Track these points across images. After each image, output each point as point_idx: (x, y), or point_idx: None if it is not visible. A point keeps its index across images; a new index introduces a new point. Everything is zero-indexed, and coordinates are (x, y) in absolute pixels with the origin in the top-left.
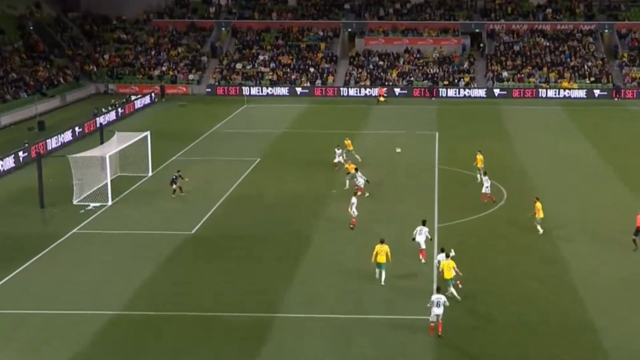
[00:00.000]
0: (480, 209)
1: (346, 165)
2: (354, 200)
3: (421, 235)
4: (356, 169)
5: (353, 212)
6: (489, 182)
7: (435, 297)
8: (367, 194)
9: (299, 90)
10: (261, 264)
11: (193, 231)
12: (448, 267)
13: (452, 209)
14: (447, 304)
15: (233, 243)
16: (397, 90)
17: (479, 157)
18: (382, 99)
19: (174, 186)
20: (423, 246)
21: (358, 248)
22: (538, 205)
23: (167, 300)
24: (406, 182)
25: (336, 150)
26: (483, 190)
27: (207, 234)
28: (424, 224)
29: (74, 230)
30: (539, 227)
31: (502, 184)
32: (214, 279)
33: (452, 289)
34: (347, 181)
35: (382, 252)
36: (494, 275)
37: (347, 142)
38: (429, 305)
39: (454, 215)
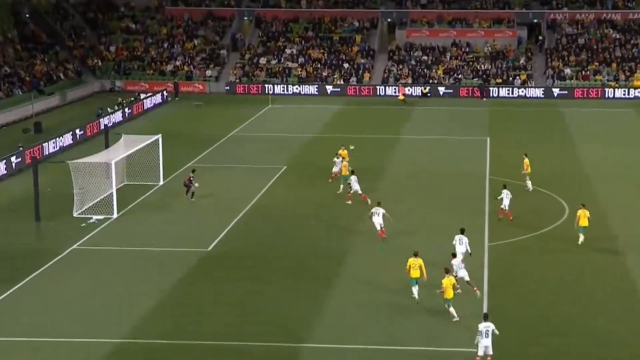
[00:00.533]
0: (537, 225)
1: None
2: (377, 210)
3: (461, 245)
4: (352, 172)
5: (379, 223)
6: (510, 196)
7: (484, 325)
8: (349, 202)
9: (329, 88)
10: (286, 286)
11: (209, 248)
12: (449, 284)
13: (505, 226)
14: (497, 332)
15: (255, 262)
16: (441, 89)
17: (526, 161)
18: (401, 97)
19: (192, 188)
20: (461, 257)
21: (395, 267)
22: (581, 212)
23: (178, 328)
24: (452, 194)
25: (335, 159)
26: (501, 206)
27: (226, 252)
28: (462, 232)
29: (74, 247)
30: (580, 236)
31: (564, 197)
32: (233, 303)
33: (451, 308)
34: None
35: (415, 266)
36: (555, 314)
37: (343, 151)
38: (476, 339)
39: (507, 233)
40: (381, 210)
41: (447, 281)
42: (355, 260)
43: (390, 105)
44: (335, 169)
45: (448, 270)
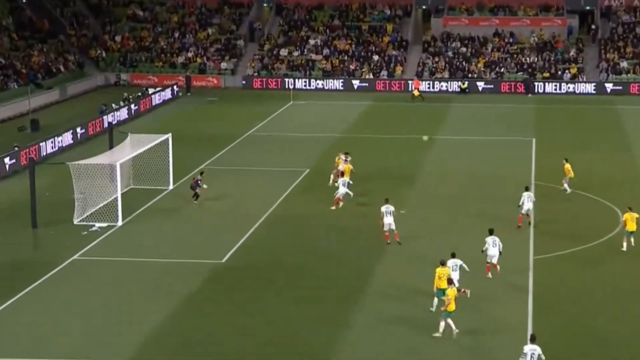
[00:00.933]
0: (588, 236)
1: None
2: (388, 208)
3: (495, 247)
4: (342, 174)
5: (389, 223)
6: (532, 199)
7: (530, 348)
8: (334, 208)
9: (355, 83)
10: (308, 305)
11: (224, 260)
12: (453, 296)
13: (553, 237)
14: (543, 357)
15: (274, 276)
16: (481, 85)
17: (567, 166)
18: (416, 92)
19: (197, 190)
20: (495, 260)
21: (428, 280)
22: (627, 216)
23: (187, 349)
24: (493, 201)
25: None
26: (522, 211)
27: (242, 264)
28: (491, 232)
29: (74, 257)
30: (625, 242)
31: (619, 205)
32: (248, 324)
33: (449, 320)
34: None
35: (443, 276)
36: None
37: (338, 160)
38: None
39: (554, 245)
40: (391, 208)
41: (452, 292)
42: (383, 275)
43: (425, 102)
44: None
45: (451, 281)
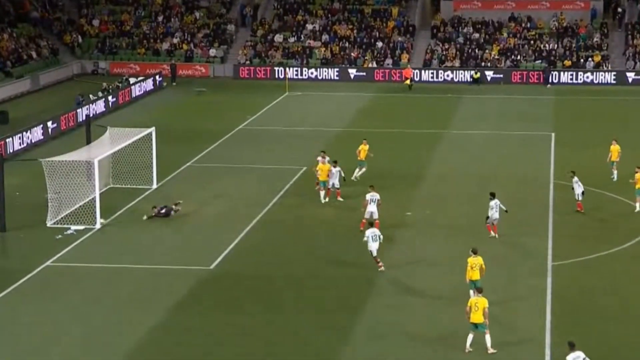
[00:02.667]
0: (615, 240)
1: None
2: (373, 196)
3: (497, 211)
4: (335, 162)
5: (372, 211)
6: (581, 186)
7: (573, 356)
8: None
9: (352, 73)
10: (304, 316)
11: (212, 266)
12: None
13: (573, 241)
14: None
15: (267, 284)
16: (495, 74)
17: (614, 147)
18: (407, 82)
19: (173, 211)
20: (496, 222)
21: (444, 295)
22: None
23: None
24: (508, 203)
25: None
26: (579, 198)
27: (232, 271)
28: (493, 196)
29: (47, 263)
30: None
31: None
32: (239, 337)
33: (487, 335)
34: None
35: (475, 265)
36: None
37: (324, 166)
38: None
39: (575, 249)
40: (377, 196)
41: (482, 302)
42: (386, 283)
43: (434, 94)
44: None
45: (481, 290)
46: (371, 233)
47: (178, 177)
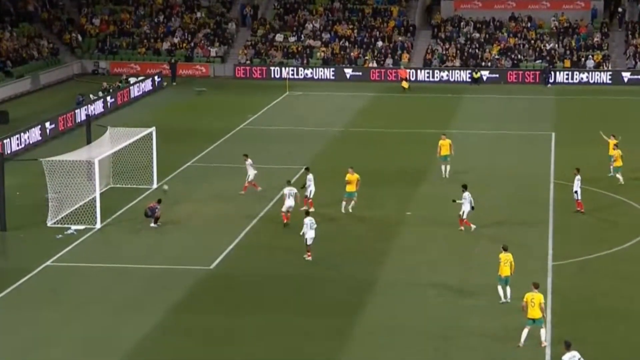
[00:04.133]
0: (616, 240)
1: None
2: (291, 190)
3: (468, 203)
4: (245, 155)
5: (290, 206)
6: (579, 184)
7: (569, 356)
8: (242, 193)
9: (348, 73)
10: (304, 316)
11: (212, 266)
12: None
13: (574, 241)
14: None
15: (269, 285)
16: (494, 74)
17: (612, 142)
18: (405, 84)
19: (157, 213)
20: (466, 216)
21: (445, 294)
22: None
23: None
24: (508, 202)
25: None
26: (578, 197)
27: (232, 271)
28: (465, 188)
29: (47, 263)
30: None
31: None
32: (239, 338)
33: (542, 330)
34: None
35: (506, 262)
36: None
37: (353, 175)
38: None
39: (577, 250)
40: (294, 191)
41: (538, 297)
42: (385, 287)
43: (435, 93)
44: (250, 176)
45: (537, 285)
46: (309, 221)
47: (178, 176)
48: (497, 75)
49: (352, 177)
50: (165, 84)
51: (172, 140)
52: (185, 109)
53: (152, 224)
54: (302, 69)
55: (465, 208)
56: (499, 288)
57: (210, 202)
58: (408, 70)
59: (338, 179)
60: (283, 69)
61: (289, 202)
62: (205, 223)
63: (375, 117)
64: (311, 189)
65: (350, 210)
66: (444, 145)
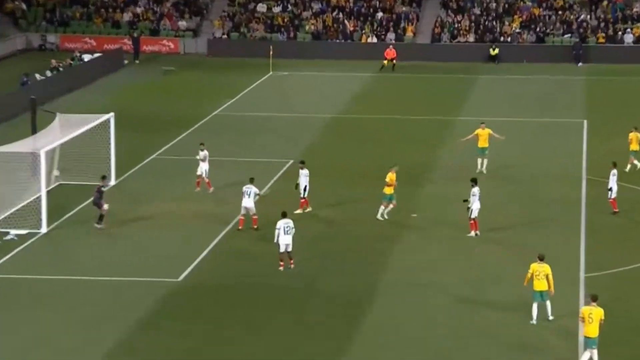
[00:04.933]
0: None
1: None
2: (249, 189)
3: (478, 200)
4: (202, 145)
5: (248, 207)
6: (615, 179)
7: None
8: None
9: (342, 49)
10: (292, 337)
11: (180, 278)
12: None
13: (611, 248)
14: None
15: (251, 298)
16: (515, 50)
17: (634, 135)
18: (386, 62)
19: (103, 208)
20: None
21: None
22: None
23: None
24: (532, 201)
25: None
26: (612, 195)
27: (203, 283)
28: (475, 182)
29: None
30: None
31: None
32: (211, 356)
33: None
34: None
35: (540, 274)
36: None
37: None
38: None
39: (614, 259)
40: (252, 189)
41: (597, 313)
42: (379, 306)
43: (442, 73)
44: (203, 171)
45: (596, 298)
46: (284, 224)
47: (141, 171)
48: (518, 53)
49: (394, 177)
50: (126, 62)
51: (134, 128)
52: (149, 92)
53: (97, 224)
54: (289, 45)
55: (475, 206)
56: (534, 306)
57: (178, 201)
58: (396, 52)
59: (332, 174)
60: (266, 44)
61: (245, 203)
62: (173, 227)
63: (375, 101)
64: (305, 185)
65: (387, 217)
66: (483, 136)
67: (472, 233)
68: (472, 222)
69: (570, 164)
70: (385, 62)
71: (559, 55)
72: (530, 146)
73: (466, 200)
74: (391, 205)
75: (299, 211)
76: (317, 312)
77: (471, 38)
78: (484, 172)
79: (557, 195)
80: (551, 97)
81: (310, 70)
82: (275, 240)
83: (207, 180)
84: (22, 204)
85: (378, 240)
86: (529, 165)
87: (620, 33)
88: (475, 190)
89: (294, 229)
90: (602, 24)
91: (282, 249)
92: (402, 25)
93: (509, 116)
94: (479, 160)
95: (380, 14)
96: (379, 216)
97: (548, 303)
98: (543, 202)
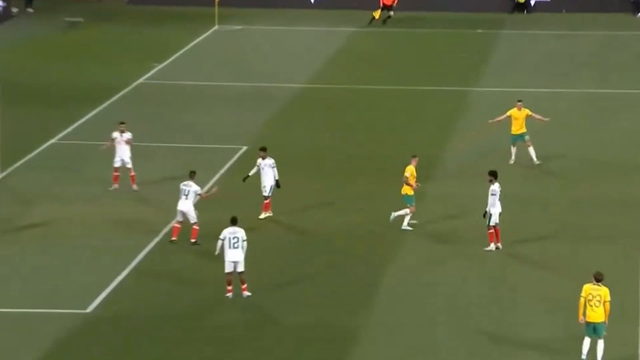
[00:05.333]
0: None
1: None
2: (187, 187)
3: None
4: (122, 124)
5: (185, 211)
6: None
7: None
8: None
9: None
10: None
11: (89, 309)
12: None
13: None
14: None
15: (183, 338)
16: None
17: None
18: (378, 14)
19: None
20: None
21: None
22: None
23: None
24: (582, 204)
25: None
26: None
27: (118, 315)
28: (494, 177)
29: None
30: None
31: None
32: None
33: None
34: None
35: (594, 298)
36: None
37: (411, 168)
38: None
39: None
40: (193, 188)
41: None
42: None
43: (453, 28)
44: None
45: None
46: (229, 234)
47: (36, 161)
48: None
49: (414, 170)
50: (15, 10)
51: (26, 102)
52: (47, 53)
53: None
54: None
55: (495, 210)
56: (585, 341)
57: (87, 203)
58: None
59: (302, 166)
60: None
61: (181, 207)
62: (80, 238)
63: (361, 67)
64: (275, 179)
65: (410, 228)
66: (519, 119)
67: (492, 246)
68: (491, 231)
69: (627, 149)
70: (378, 12)
71: (611, 3)
72: (570, 127)
73: (486, 215)
74: (409, 211)
75: (263, 215)
76: (319, 308)
77: None
78: (537, 162)
79: (617, 195)
80: (602, 60)
81: (271, 24)
82: (216, 253)
83: (131, 174)
84: None
85: (365, 259)
86: (569, 153)
87: None
88: (495, 187)
89: (245, 242)
90: None
91: (228, 269)
92: None
93: (543, 86)
94: (513, 150)
95: None
96: (404, 226)
97: (601, 343)
98: (597, 204)
